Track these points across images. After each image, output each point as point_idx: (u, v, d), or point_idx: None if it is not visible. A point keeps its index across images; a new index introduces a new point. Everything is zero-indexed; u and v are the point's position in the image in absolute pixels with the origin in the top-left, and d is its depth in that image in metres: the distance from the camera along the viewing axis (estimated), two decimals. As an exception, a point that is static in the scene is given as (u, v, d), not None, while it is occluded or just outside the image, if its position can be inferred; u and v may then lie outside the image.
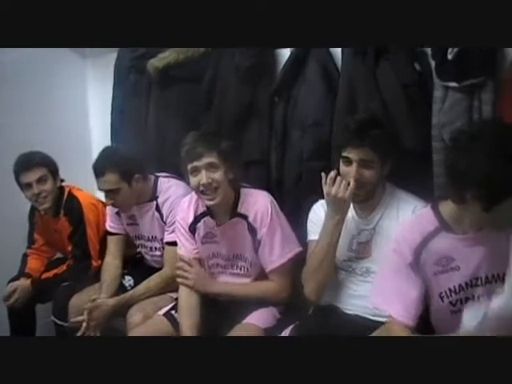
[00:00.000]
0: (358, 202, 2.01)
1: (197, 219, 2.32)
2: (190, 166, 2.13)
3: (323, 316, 2.09)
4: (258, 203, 2.22)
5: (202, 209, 2.31)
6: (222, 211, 2.26)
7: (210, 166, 2.11)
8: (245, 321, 2.20)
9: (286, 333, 2.04)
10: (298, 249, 2.23)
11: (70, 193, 2.87)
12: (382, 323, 1.94)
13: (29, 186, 2.70)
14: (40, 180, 2.71)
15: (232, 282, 2.34)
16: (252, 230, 2.22)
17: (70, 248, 2.84)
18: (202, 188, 2.12)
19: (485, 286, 1.66)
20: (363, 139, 1.89)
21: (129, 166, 2.48)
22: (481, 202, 1.46)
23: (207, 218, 2.30)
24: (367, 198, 1.98)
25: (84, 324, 2.39)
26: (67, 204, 2.83)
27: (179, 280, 2.30)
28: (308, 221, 2.20)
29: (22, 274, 2.88)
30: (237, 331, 2.15)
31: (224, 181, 2.14)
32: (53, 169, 2.78)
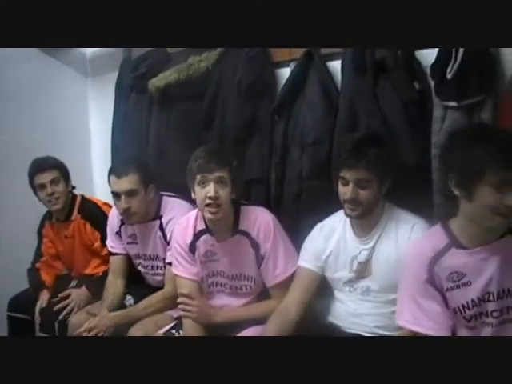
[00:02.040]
0: (355, 218, 2.00)
1: (196, 237, 2.32)
2: (199, 177, 2.12)
3: (323, 334, 2.07)
4: (260, 219, 2.23)
5: (200, 226, 2.31)
6: (222, 229, 2.26)
7: (220, 181, 2.11)
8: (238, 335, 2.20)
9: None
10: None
11: (84, 199, 2.97)
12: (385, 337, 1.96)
13: (43, 186, 2.79)
14: (53, 181, 2.80)
15: (234, 309, 2.33)
16: (255, 246, 2.22)
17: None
18: (207, 201, 2.11)
19: (497, 302, 1.65)
20: (359, 160, 1.89)
21: (148, 172, 2.54)
22: None
23: (206, 236, 2.30)
24: (364, 215, 1.97)
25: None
26: (86, 210, 2.92)
27: (182, 314, 2.28)
28: (302, 246, 2.21)
29: (41, 286, 2.90)
30: None
31: (228, 199, 2.15)
32: (65, 172, 2.88)
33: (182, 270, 2.35)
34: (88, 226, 2.89)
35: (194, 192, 2.17)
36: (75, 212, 2.91)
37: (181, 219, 2.39)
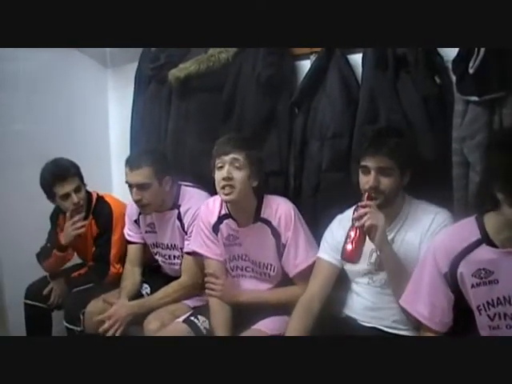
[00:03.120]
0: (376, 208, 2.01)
1: (220, 220, 2.38)
2: (217, 161, 2.20)
3: (339, 327, 2.09)
4: (281, 208, 2.27)
5: (224, 211, 2.37)
6: (243, 215, 2.32)
7: (234, 162, 2.17)
8: (254, 326, 2.22)
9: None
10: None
11: (99, 198, 2.93)
12: (399, 336, 1.97)
13: (67, 196, 2.73)
14: (76, 189, 2.75)
15: (258, 290, 2.37)
16: (276, 235, 2.26)
17: (92, 250, 2.88)
18: (222, 182, 2.18)
19: None
20: (380, 147, 1.91)
21: (164, 165, 2.53)
22: None
23: (229, 220, 2.36)
24: (385, 205, 1.97)
25: (106, 325, 2.39)
26: (97, 208, 2.89)
27: (207, 292, 2.35)
28: (323, 237, 2.22)
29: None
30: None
31: (244, 183, 2.19)
32: (81, 175, 2.82)
33: (206, 249, 2.41)
34: (94, 223, 2.89)
35: (215, 178, 2.24)
36: (90, 215, 2.88)
37: (208, 200, 2.45)
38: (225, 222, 2.37)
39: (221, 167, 2.19)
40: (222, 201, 2.36)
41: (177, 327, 2.30)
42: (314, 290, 2.13)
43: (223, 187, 2.19)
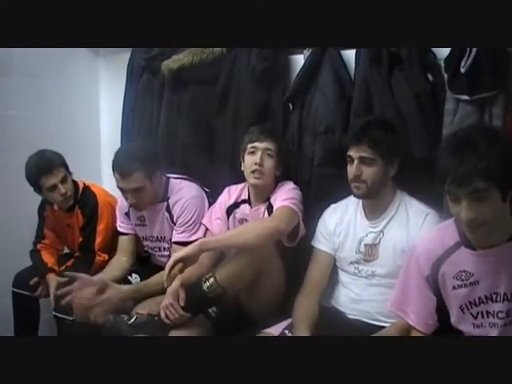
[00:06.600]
0: (361, 197, 2.07)
1: (237, 204, 2.50)
2: (249, 146, 2.34)
3: (324, 318, 2.10)
4: (280, 190, 2.37)
5: (244, 196, 2.50)
6: (259, 200, 2.43)
7: (267, 151, 2.33)
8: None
9: (283, 324, 2.13)
10: None
11: (86, 187, 2.91)
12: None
13: (54, 187, 2.71)
14: (62, 180, 2.73)
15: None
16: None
17: (79, 240, 2.87)
18: (254, 167, 2.31)
19: (503, 303, 1.66)
20: (361, 138, 1.97)
21: (153, 163, 2.52)
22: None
23: (246, 205, 2.48)
24: (370, 195, 2.03)
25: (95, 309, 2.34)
26: (83, 198, 2.87)
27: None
28: (317, 227, 2.26)
29: (47, 270, 2.84)
30: None
31: (272, 171, 2.35)
32: (67, 166, 2.80)
33: (212, 225, 2.53)
34: (80, 213, 2.87)
35: (244, 161, 2.38)
36: (77, 205, 2.87)
37: (230, 186, 2.55)
38: (242, 206, 2.49)
39: (253, 152, 2.33)
40: (243, 187, 2.50)
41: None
42: (313, 279, 2.17)
43: (253, 171, 2.32)
